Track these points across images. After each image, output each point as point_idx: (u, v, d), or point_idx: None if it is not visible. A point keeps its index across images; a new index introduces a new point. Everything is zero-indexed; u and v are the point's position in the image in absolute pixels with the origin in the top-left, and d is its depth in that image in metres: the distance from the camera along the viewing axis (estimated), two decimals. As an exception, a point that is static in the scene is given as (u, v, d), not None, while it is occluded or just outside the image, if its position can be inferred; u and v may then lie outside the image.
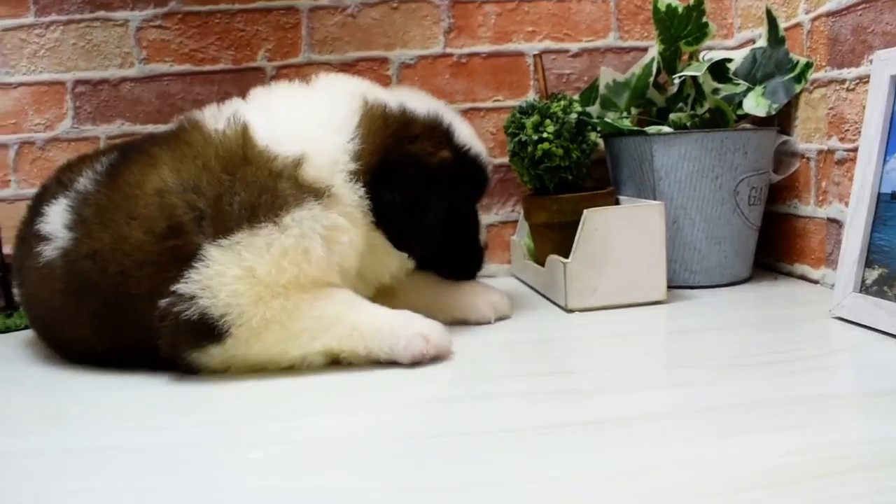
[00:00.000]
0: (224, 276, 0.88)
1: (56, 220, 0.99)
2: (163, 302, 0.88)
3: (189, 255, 0.89)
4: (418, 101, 1.08)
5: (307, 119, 0.98)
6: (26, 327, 1.27)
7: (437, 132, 1.06)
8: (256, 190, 0.91)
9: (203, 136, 0.96)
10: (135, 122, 1.45)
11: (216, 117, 0.99)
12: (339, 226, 0.94)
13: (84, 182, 1.00)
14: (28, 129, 1.45)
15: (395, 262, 1.05)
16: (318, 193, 0.93)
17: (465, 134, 1.10)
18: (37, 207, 1.06)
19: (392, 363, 0.90)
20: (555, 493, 0.56)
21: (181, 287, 0.88)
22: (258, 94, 1.05)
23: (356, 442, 0.70)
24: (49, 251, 0.98)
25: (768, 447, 0.62)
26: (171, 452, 0.69)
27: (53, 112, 1.45)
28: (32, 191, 1.20)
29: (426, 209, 1.02)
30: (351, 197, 0.96)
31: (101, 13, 1.44)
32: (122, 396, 0.88)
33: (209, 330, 0.88)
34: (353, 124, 0.99)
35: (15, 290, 1.20)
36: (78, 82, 1.45)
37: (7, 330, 1.27)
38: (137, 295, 0.91)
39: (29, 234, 1.05)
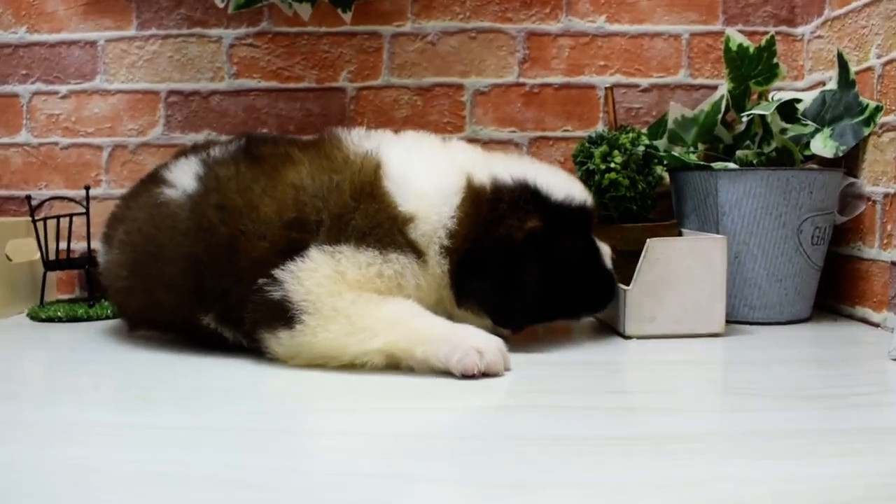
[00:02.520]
0: (316, 271, 0.97)
1: (185, 170, 1.10)
2: (261, 280, 0.98)
3: (299, 249, 0.98)
4: (506, 169, 1.08)
5: (426, 182, 1.04)
6: (107, 317, 1.35)
7: (524, 200, 1.06)
8: (372, 224, 1.00)
9: (343, 157, 1.05)
10: (221, 132, 1.53)
11: (359, 142, 1.08)
12: (421, 286, 1.03)
13: (218, 152, 1.11)
14: (122, 133, 1.55)
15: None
16: (416, 252, 1.01)
17: (555, 185, 1.09)
18: (157, 168, 1.18)
19: (446, 373, 0.93)
20: (606, 496, 0.59)
21: (277, 272, 0.97)
22: (404, 137, 1.12)
23: (420, 438, 0.74)
24: (171, 192, 1.08)
25: (820, 471, 0.64)
26: (247, 434, 0.74)
27: (146, 119, 1.55)
28: (121, 191, 1.29)
29: (520, 285, 1.04)
30: (436, 269, 1.03)
31: (198, 30, 1.53)
32: (197, 382, 0.95)
33: (284, 312, 0.95)
34: (455, 202, 1.04)
35: (98, 247, 1.25)
36: (171, 92, 1.54)
37: (89, 318, 1.35)
38: (246, 255, 1.00)
39: (148, 180, 1.16)
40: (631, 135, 1.24)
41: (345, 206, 1.00)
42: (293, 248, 0.98)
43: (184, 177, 1.09)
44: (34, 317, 1.35)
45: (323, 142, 1.09)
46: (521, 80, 1.54)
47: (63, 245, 1.42)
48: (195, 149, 1.18)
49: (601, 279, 1.14)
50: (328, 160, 1.05)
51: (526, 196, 1.06)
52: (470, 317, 1.05)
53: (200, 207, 1.05)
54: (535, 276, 1.05)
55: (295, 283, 0.96)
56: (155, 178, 1.14)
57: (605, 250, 1.15)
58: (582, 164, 1.26)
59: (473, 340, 0.95)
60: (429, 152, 1.09)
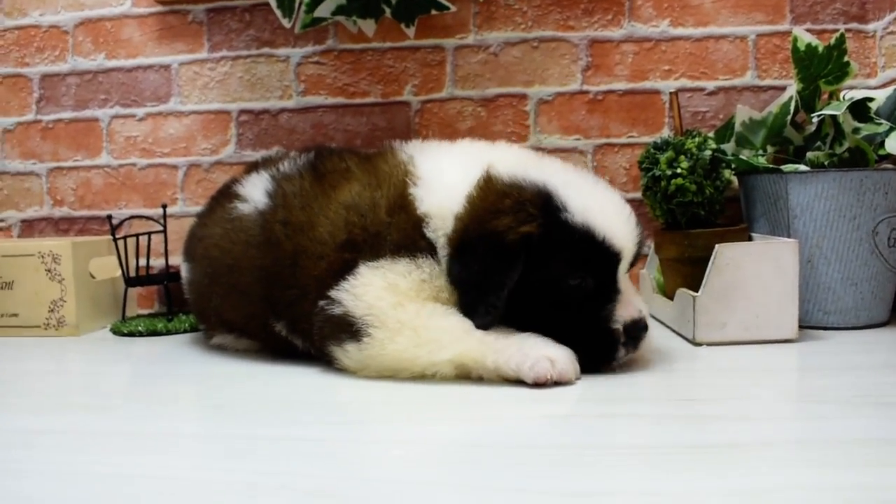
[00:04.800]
0: (371, 285, 0.99)
1: (257, 185, 1.15)
2: (321, 302, 1.01)
3: (352, 268, 1.01)
4: (541, 174, 1.01)
5: (441, 179, 1.05)
6: (185, 331, 1.40)
7: (532, 204, 0.97)
8: (403, 235, 1.01)
9: (388, 168, 1.08)
10: (290, 148, 1.56)
11: (401, 153, 1.10)
12: (440, 286, 1.02)
13: (288, 166, 1.15)
14: (196, 152, 1.61)
15: None
16: (433, 250, 1.01)
17: (582, 204, 0.98)
18: (229, 183, 1.23)
19: (517, 382, 0.94)
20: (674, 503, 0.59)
21: (334, 293, 1.00)
22: (452, 144, 1.13)
23: (486, 447, 0.74)
24: (244, 207, 1.14)
25: (892, 480, 0.63)
26: (319, 444, 0.76)
27: (219, 138, 1.60)
28: (197, 209, 1.33)
29: (494, 285, 0.97)
30: (443, 263, 1.02)
31: (266, 50, 1.58)
32: (272, 393, 0.98)
33: (349, 326, 0.98)
34: (466, 192, 1.02)
35: (179, 262, 1.31)
36: (242, 112, 1.59)
37: (168, 332, 1.40)
38: (308, 272, 1.04)
39: (221, 196, 1.21)
40: (697, 139, 1.22)
41: (380, 224, 1.03)
42: (346, 269, 1.01)
43: (255, 192, 1.14)
44: (116, 331, 1.41)
45: (379, 155, 1.12)
46: (585, 87, 1.54)
47: (143, 262, 1.48)
48: (266, 163, 1.22)
49: (595, 333, 1.00)
50: (374, 175, 1.07)
51: (536, 201, 0.98)
52: None
53: (269, 224, 1.09)
54: (511, 281, 0.96)
55: (353, 300, 0.98)
56: (228, 194, 1.19)
57: (633, 308, 1.01)
58: (648, 170, 1.25)
59: (545, 349, 0.95)
60: (460, 154, 1.09)
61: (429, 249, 1.01)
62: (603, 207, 1.00)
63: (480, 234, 0.98)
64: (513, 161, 1.04)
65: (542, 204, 0.98)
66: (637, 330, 1.00)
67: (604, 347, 1.00)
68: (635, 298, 1.03)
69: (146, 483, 0.67)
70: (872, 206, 1.19)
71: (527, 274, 0.97)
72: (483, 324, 0.97)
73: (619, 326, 0.99)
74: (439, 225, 1.01)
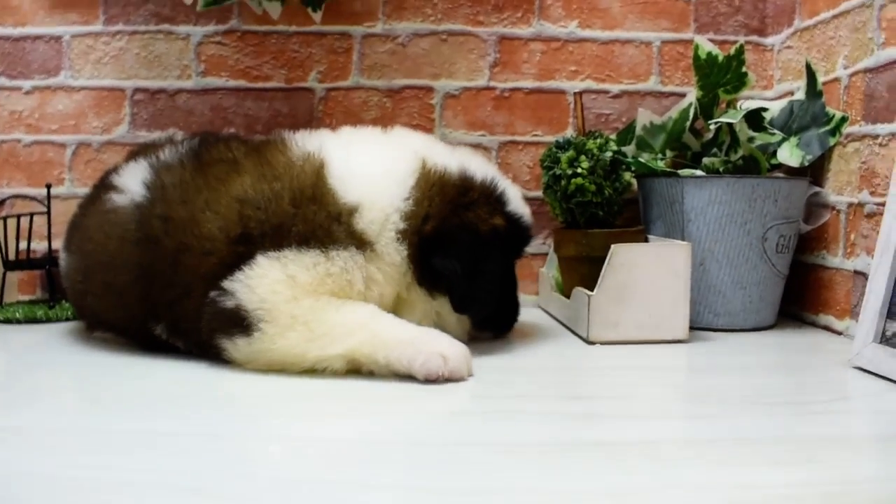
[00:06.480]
0: (265, 277, 0.95)
1: (134, 175, 1.08)
2: (212, 293, 0.96)
3: (246, 259, 0.97)
4: (476, 166, 1.11)
5: (372, 170, 1.03)
6: (67, 319, 1.33)
7: (492, 199, 1.09)
8: (312, 227, 0.98)
9: (285, 161, 1.03)
10: (187, 131, 1.50)
11: (302, 145, 1.06)
12: (374, 279, 1.01)
13: (168, 155, 1.09)
14: (86, 131, 1.52)
15: (453, 322, 1.09)
16: (363, 243, 1.00)
17: (516, 199, 1.13)
18: (108, 172, 1.17)
19: (408, 378, 0.93)
20: (562, 502, 0.59)
21: (226, 283, 0.95)
22: (345, 132, 1.11)
23: (372, 444, 0.73)
24: (119, 199, 1.06)
25: (774, 478, 0.64)
26: (197, 440, 0.73)
27: (111, 117, 1.52)
28: (85, 190, 1.26)
29: (484, 273, 1.06)
30: (393, 257, 1.02)
31: (165, 26, 1.51)
32: (154, 386, 0.93)
33: (240, 320, 0.94)
34: (409, 184, 1.03)
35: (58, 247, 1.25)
36: (137, 90, 1.52)
37: (48, 320, 1.33)
38: (193, 270, 0.99)
39: (99, 187, 1.15)
40: (599, 140, 1.23)
41: (284, 215, 0.99)
42: (240, 260, 0.97)
43: (131, 182, 1.07)
44: (-8, 317, 1.33)
45: (268, 146, 1.07)
46: (492, 83, 1.53)
47: (24, 245, 1.39)
48: (146, 149, 1.15)
49: (514, 305, 1.20)
50: (270, 166, 1.03)
51: (495, 195, 1.10)
52: (420, 300, 1.06)
53: (147, 219, 1.03)
54: (497, 268, 1.09)
55: (247, 292, 0.94)
56: (105, 183, 1.13)
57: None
58: (549, 168, 1.25)
59: (437, 345, 0.94)
60: (376, 143, 1.09)
61: (354, 241, 0.99)
62: (521, 201, 1.15)
63: (459, 224, 1.04)
64: (438, 148, 1.11)
65: (498, 198, 1.10)
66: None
67: (515, 314, 1.21)
68: None
69: (9, 480, 0.62)
70: (763, 213, 1.23)
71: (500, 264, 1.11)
72: (482, 310, 1.10)
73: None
74: (377, 217, 1.00)
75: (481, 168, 1.11)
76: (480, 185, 1.09)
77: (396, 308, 1.05)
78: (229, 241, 0.98)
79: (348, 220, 0.99)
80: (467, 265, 1.03)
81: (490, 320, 1.15)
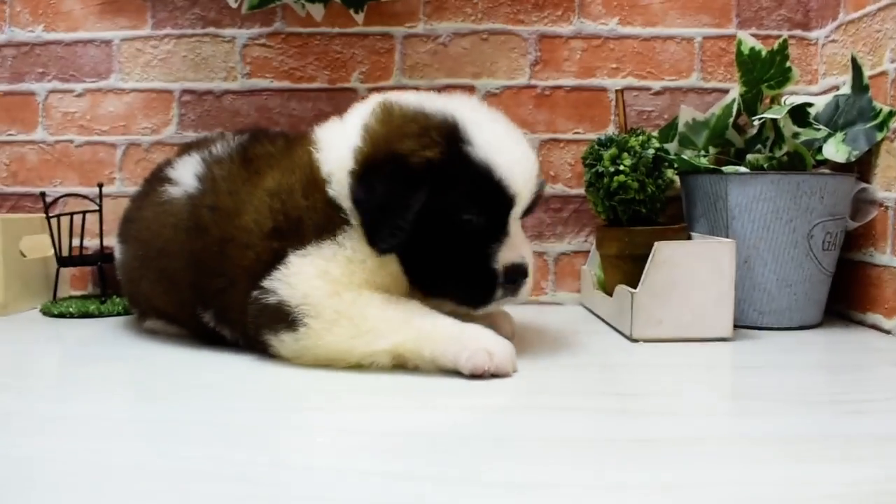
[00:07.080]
0: (302, 273, 0.97)
1: (188, 168, 1.12)
2: (254, 292, 0.98)
3: (282, 257, 0.99)
4: (443, 104, 1.01)
5: (340, 130, 1.04)
6: (118, 314, 1.37)
7: (437, 132, 0.97)
8: (321, 217, 1.00)
9: (303, 152, 1.05)
10: (233, 131, 1.53)
11: (317, 135, 1.07)
12: (358, 250, 1.00)
13: (220, 149, 1.12)
14: (136, 131, 1.56)
15: (400, 280, 1.03)
16: (346, 221, 0.99)
17: (489, 144, 0.98)
18: (161, 166, 1.20)
19: (454, 372, 0.94)
20: (605, 497, 0.59)
21: (267, 283, 0.98)
22: (353, 112, 1.09)
23: (418, 437, 0.74)
24: (174, 191, 1.11)
25: (822, 476, 0.64)
26: (247, 430, 0.75)
27: (160, 118, 1.56)
28: (134, 189, 1.29)
29: (401, 207, 0.95)
30: (348, 204, 0.99)
31: (212, 29, 1.54)
32: (207, 378, 0.96)
33: (285, 315, 0.96)
34: (359, 126, 1.01)
35: (113, 243, 1.28)
36: (185, 91, 1.55)
37: (100, 315, 1.36)
38: (236, 262, 1.02)
39: (153, 180, 1.18)
40: (641, 138, 1.23)
41: (299, 208, 1.01)
42: (276, 258, 0.99)
43: (185, 174, 1.11)
44: (47, 312, 1.37)
45: (297, 139, 1.10)
46: (533, 81, 1.54)
47: (76, 242, 1.43)
48: (199, 144, 1.19)
49: (476, 271, 1.00)
50: (291, 159, 1.05)
51: (441, 129, 0.98)
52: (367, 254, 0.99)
53: (198, 208, 1.07)
54: (418, 203, 0.95)
55: (288, 289, 0.96)
56: (160, 176, 1.16)
57: (517, 253, 1.02)
58: (591, 166, 1.26)
59: (483, 341, 0.95)
60: (354, 112, 1.06)
61: (343, 221, 0.99)
62: (507, 148, 1.00)
63: (385, 156, 0.96)
64: (414, 98, 1.04)
65: (447, 133, 0.97)
66: (516, 274, 1.01)
67: (482, 286, 1.01)
68: (523, 246, 1.04)
69: (67, 467, 0.64)
70: (808, 210, 1.22)
71: (425, 203, 0.96)
72: (387, 247, 0.97)
73: (499, 267, 1.00)
74: (339, 176, 0.99)
75: (451, 108, 1.00)
76: (429, 118, 0.99)
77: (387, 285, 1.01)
78: (263, 236, 1.01)
79: (330, 197, 1.00)
80: (382, 196, 0.95)
81: (448, 286, 1.02)
